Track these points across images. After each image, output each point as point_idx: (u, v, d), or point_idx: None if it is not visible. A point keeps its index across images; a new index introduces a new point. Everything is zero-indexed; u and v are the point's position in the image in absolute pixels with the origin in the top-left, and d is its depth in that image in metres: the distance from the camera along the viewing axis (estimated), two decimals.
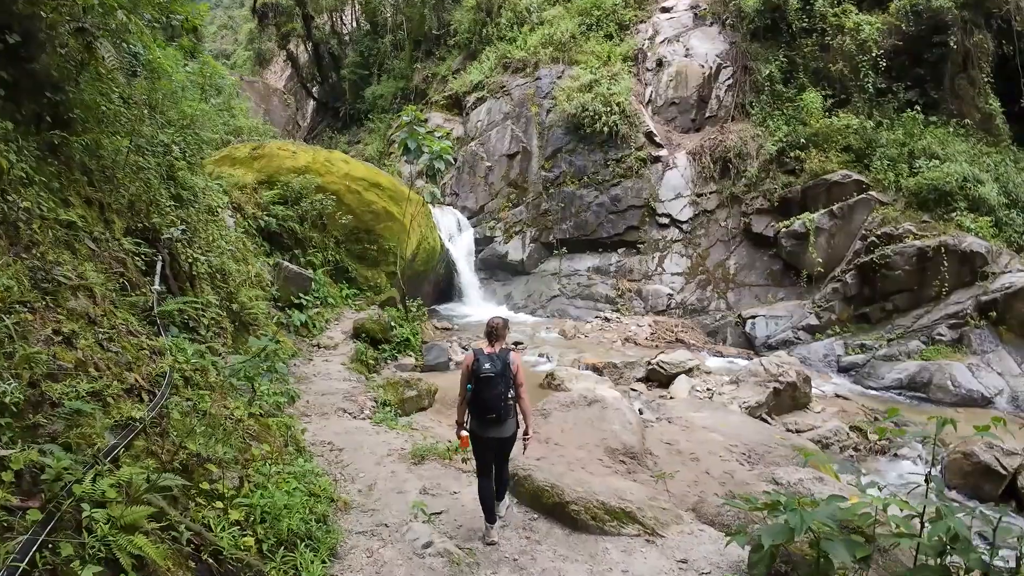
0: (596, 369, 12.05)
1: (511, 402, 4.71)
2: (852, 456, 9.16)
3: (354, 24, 27.92)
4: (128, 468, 2.62)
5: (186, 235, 8.37)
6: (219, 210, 11.17)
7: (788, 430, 9.63)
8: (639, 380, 11.72)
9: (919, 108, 14.04)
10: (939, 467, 8.68)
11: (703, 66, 17.23)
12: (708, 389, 10.79)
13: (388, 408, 8.37)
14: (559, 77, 18.21)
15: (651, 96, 17.76)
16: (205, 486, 3.19)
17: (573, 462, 5.87)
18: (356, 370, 11.01)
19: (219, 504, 3.17)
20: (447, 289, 17.93)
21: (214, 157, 14.42)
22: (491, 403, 4.64)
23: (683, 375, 11.21)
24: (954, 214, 12.53)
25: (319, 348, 11.62)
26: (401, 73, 23.69)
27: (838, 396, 11.13)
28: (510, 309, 17.01)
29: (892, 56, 14.31)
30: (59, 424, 2.69)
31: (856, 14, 14.79)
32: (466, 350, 13.26)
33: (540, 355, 13.17)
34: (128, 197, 7.09)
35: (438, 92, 21.63)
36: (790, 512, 3.59)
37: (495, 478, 4.94)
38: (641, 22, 18.96)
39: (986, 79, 13.68)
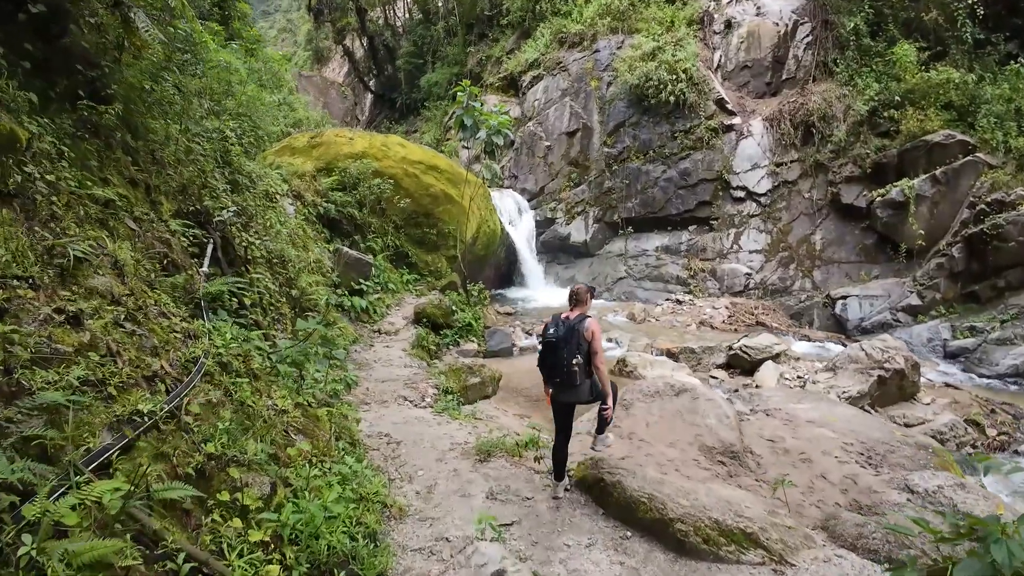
0: (671, 355, 11.03)
1: (575, 368, 4.52)
2: (970, 453, 7.85)
3: (407, 15, 27.47)
4: (105, 483, 1.98)
5: (241, 219, 8.01)
6: (278, 197, 10.90)
7: (896, 423, 8.37)
8: (719, 367, 10.61)
9: (1023, 61, 12.11)
10: None
11: (777, 24, 15.62)
12: (799, 377, 9.57)
13: (450, 396, 7.72)
14: (619, 48, 17.03)
15: (720, 61, 16.31)
16: (224, 496, 2.54)
17: (664, 463, 4.97)
18: (417, 356, 10.53)
19: (237, 522, 2.50)
20: (508, 273, 17.23)
21: (274, 148, 14.29)
22: (553, 368, 4.59)
23: (769, 361, 10.02)
24: None
25: (380, 334, 11.22)
26: (455, 59, 23.02)
27: (948, 386, 9.66)
28: None
29: (992, 3, 12.38)
30: (36, 421, 2.09)
31: None
32: (529, 335, 12.57)
33: (609, 340, 12.23)
34: (179, 181, 6.69)
35: (492, 74, 20.83)
36: (994, 544, 2.56)
37: (554, 454, 4.85)
38: None
39: None
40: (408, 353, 10.35)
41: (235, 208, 7.73)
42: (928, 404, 8.81)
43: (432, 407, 6.93)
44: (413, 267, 13.91)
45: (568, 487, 4.80)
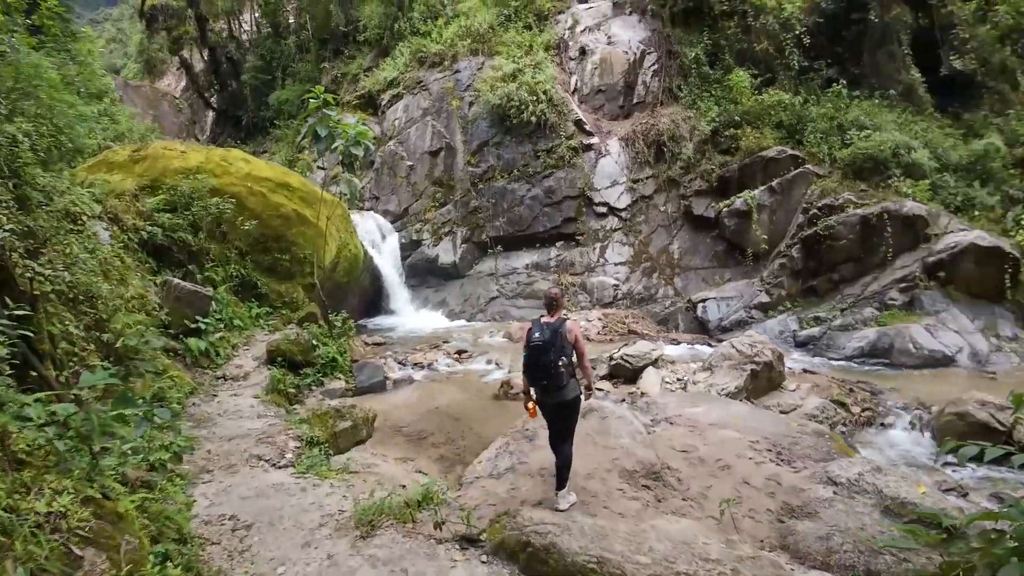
0: None
1: (563, 369, 4.55)
2: (844, 431, 8.07)
3: (253, 27, 24.98)
4: None
5: (26, 243, 6.04)
6: (86, 219, 8.65)
7: (779, 411, 8.38)
8: (603, 377, 10.14)
9: (843, 84, 13.53)
10: (928, 432, 7.92)
11: (627, 53, 16.10)
12: (679, 379, 9.38)
13: (317, 448, 6.27)
14: (479, 69, 16.55)
15: (576, 85, 16.43)
16: None
17: (589, 500, 4.15)
18: (273, 403, 8.76)
19: None
20: (375, 300, 15.75)
21: (87, 164, 11.70)
22: (541, 371, 4.56)
23: (650, 367, 9.75)
24: (891, 181, 11.96)
25: (225, 380, 9.23)
26: (308, 75, 21.17)
27: (806, 371, 10.07)
28: (446, 316, 15.08)
29: (814, 34, 13.73)
30: None
31: None
32: (404, 366, 11.22)
33: (488, 362, 11.34)
34: None
35: (349, 92, 19.35)
36: None
37: (557, 463, 4.65)
38: (559, 12, 17.65)
39: (906, 51, 13.29)
40: (261, 400, 8.60)
41: (12, 228, 5.75)
42: (794, 390, 9.01)
43: (295, 466, 5.46)
44: (263, 299, 11.93)
45: (569, 503, 4.50)
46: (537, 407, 4.72)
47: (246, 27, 25.68)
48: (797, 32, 13.63)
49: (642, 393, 9.22)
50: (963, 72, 12.80)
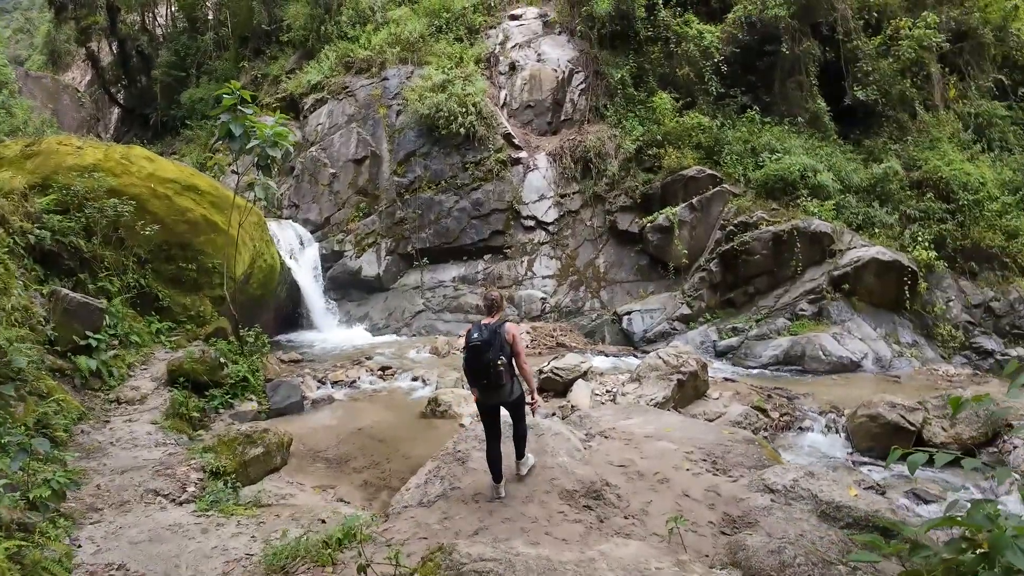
0: None
1: (502, 368, 4.58)
2: (766, 436, 8.27)
3: (169, 21, 23.19)
4: None
5: None
6: None
7: (705, 420, 8.48)
8: None
9: (756, 110, 14.25)
10: (843, 434, 8.26)
11: (556, 70, 16.23)
12: (608, 391, 9.33)
13: (223, 480, 5.57)
14: (408, 77, 16.11)
15: (506, 99, 16.35)
16: None
17: (530, 528, 3.83)
18: (174, 429, 7.92)
19: None
20: (293, 315, 14.80)
21: None
22: (480, 370, 4.62)
23: (580, 380, 9.65)
24: (799, 200, 12.65)
25: (119, 404, 8.20)
26: (225, 74, 19.84)
27: (727, 380, 10.34)
28: (369, 331, 14.40)
29: (730, 63, 14.41)
30: None
31: (697, 23, 14.74)
32: (323, 384, 10.54)
33: (415, 379, 10.83)
34: None
35: (269, 94, 18.30)
36: (1012, 550, 1.85)
37: (514, 435, 4.94)
38: (491, 27, 17.56)
39: (813, 82, 14.18)
40: (160, 426, 7.63)
41: None
42: (717, 399, 9.21)
43: (198, 501, 4.78)
44: (166, 312, 10.81)
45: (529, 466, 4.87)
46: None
47: (161, 20, 23.83)
48: (716, 60, 14.26)
49: (573, 406, 9.09)
50: (865, 102, 13.81)
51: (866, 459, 7.85)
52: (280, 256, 14.08)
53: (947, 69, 14.75)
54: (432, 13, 17.33)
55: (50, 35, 24.85)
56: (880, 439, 7.80)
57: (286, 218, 16.05)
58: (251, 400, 9.43)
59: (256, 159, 9.72)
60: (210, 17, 21.56)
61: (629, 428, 6.19)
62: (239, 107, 9.57)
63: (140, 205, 10.37)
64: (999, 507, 2.38)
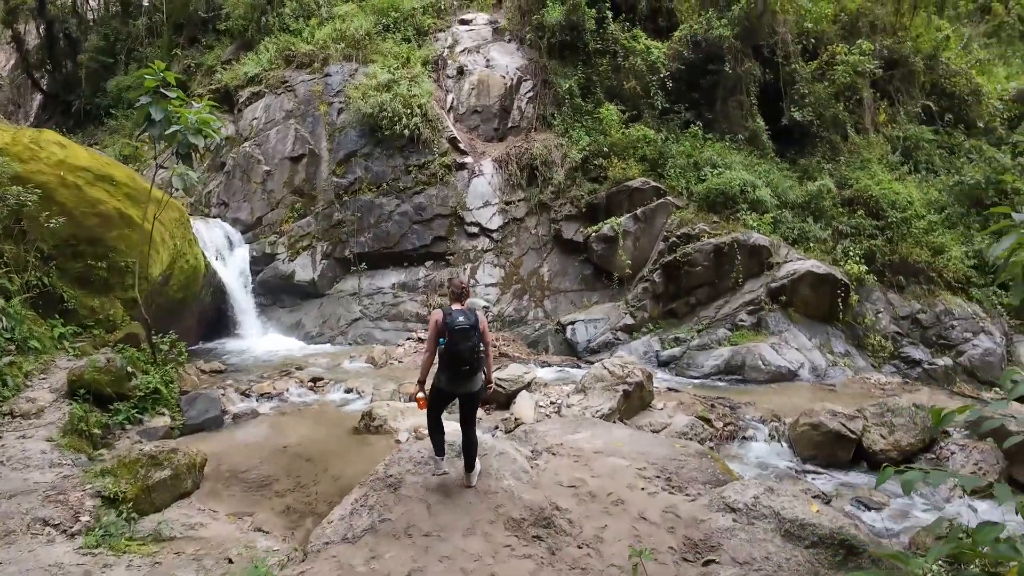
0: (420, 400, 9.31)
1: (481, 355, 4.57)
2: (712, 446, 7.98)
3: (101, 4, 21.49)
4: None
5: None
6: None
7: (652, 431, 8.09)
8: None
9: (699, 126, 14.34)
10: (786, 442, 8.13)
11: (504, 77, 15.89)
12: (553, 403, 8.84)
13: (122, 508, 4.72)
14: (352, 75, 15.37)
15: (453, 103, 15.86)
16: None
17: (470, 568, 3.22)
18: (72, 447, 6.96)
19: None
20: (218, 321, 13.64)
21: None
22: (466, 355, 4.43)
23: (523, 391, 9.12)
24: (739, 214, 12.68)
25: (11, 418, 7.24)
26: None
27: (670, 390, 10.08)
28: (302, 339, 13.42)
29: (676, 79, 14.50)
30: None
31: (645, 38, 14.77)
32: (248, 397, 9.60)
33: (348, 391, 9.98)
34: None
35: (203, 85, 17.09)
36: None
37: (463, 444, 4.70)
38: (440, 31, 17.10)
39: (753, 102, 14.41)
40: (57, 444, 6.72)
41: None
42: (662, 409, 8.89)
43: (86, 535, 3.91)
44: (72, 316, 9.76)
45: (445, 470, 4.71)
46: (427, 401, 4.65)
47: (92, 4, 22.06)
48: (661, 75, 14.30)
49: (516, 419, 8.55)
50: (800, 123, 14.14)
51: (810, 467, 7.71)
52: (205, 257, 12.97)
53: (879, 94, 15.36)
54: (380, 11, 16.72)
55: None
56: (822, 447, 7.72)
57: (214, 216, 14.87)
58: (163, 415, 8.50)
59: (176, 147, 8.79)
60: (145, 3, 20.08)
61: (577, 443, 5.67)
62: (161, 90, 8.70)
63: (47, 195, 9.29)
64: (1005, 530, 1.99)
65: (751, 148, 14.30)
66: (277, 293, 14.20)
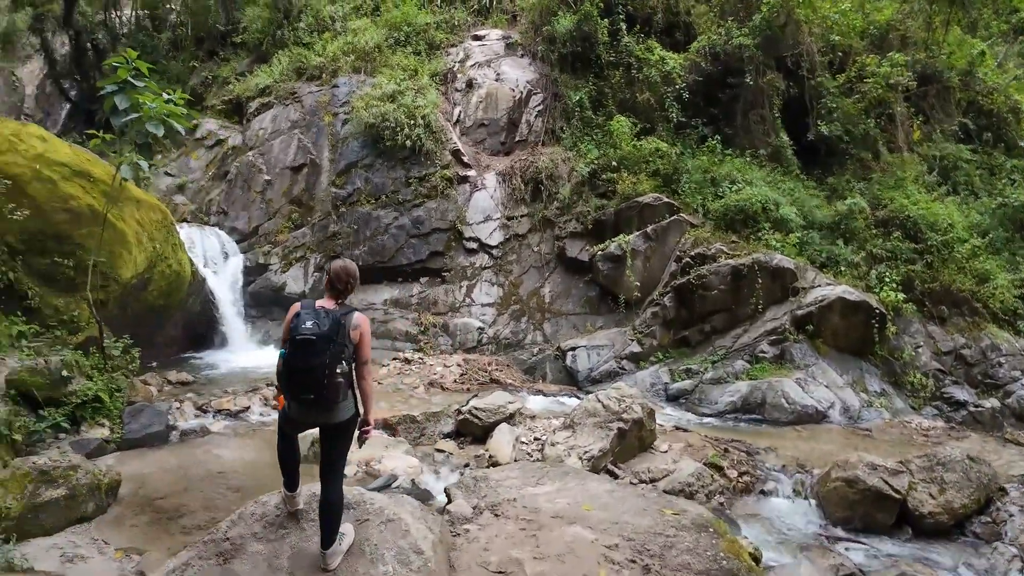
0: (388, 426, 8.03)
1: (339, 379, 3.11)
2: (722, 503, 6.39)
3: (133, 18, 21.52)
4: None
5: None
6: None
7: (641, 481, 6.55)
8: (447, 436, 7.96)
9: (717, 140, 12.99)
10: (814, 500, 6.54)
11: (513, 90, 14.87)
12: (536, 439, 7.39)
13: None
14: (359, 87, 14.58)
15: (460, 116, 14.88)
16: None
17: None
18: None
19: None
20: (206, 331, 12.66)
21: None
22: (308, 378, 3.04)
23: (503, 424, 7.68)
24: (761, 233, 11.17)
25: None
26: (177, 75, 18.15)
27: (677, 428, 8.49)
28: None
29: (693, 93, 13.23)
30: None
31: (660, 50, 13.59)
32: (205, 412, 8.57)
33: None
34: None
35: (217, 96, 16.61)
36: None
37: (320, 506, 3.27)
38: (452, 46, 16.26)
39: (776, 115, 13.01)
40: None
41: None
42: (666, 452, 7.31)
43: None
44: (35, 314, 8.95)
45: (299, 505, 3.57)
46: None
47: (125, 17, 22.14)
48: (678, 87, 13.03)
49: (490, 456, 7.15)
50: (827, 139, 12.66)
51: (842, 533, 6.07)
52: (193, 264, 12.07)
53: (912, 110, 13.81)
54: (393, 26, 16.02)
55: (10, 24, 22.92)
56: (858, 507, 6.08)
57: (213, 224, 14.09)
58: (103, 425, 7.55)
59: (135, 136, 7.93)
60: (172, 17, 19.96)
61: (535, 500, 4.25)
62: (131, 80, 7.96)
63: (18, 187, 8.63)
64: None
65: (774, 164, 12.82)
66: (267, 305, 13.19)
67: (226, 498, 6.08)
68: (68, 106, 21.89)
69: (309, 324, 3.09)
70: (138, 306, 10.68)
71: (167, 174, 15.64)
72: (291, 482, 3.60)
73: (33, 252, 8.95)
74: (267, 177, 14.11)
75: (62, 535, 5.11)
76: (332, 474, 3.31)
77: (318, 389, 3.07)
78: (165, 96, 8.16)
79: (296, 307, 3.33)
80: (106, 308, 9.49)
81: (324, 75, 15.27)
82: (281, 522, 3.36)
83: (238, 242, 13.70)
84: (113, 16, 20.73)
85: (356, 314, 3.35)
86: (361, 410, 3.47)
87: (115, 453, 7.00)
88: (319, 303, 3.36)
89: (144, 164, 7.68)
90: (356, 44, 15.48)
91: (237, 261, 13.46)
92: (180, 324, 12.24)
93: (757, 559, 4.87)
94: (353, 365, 3.32)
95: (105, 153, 9.95)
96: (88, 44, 20.17)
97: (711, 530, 3.98)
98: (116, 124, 8.10)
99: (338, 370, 3.12)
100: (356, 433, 3.45)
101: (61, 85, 21.22)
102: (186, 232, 12.63)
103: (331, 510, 3.23)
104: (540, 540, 3.51)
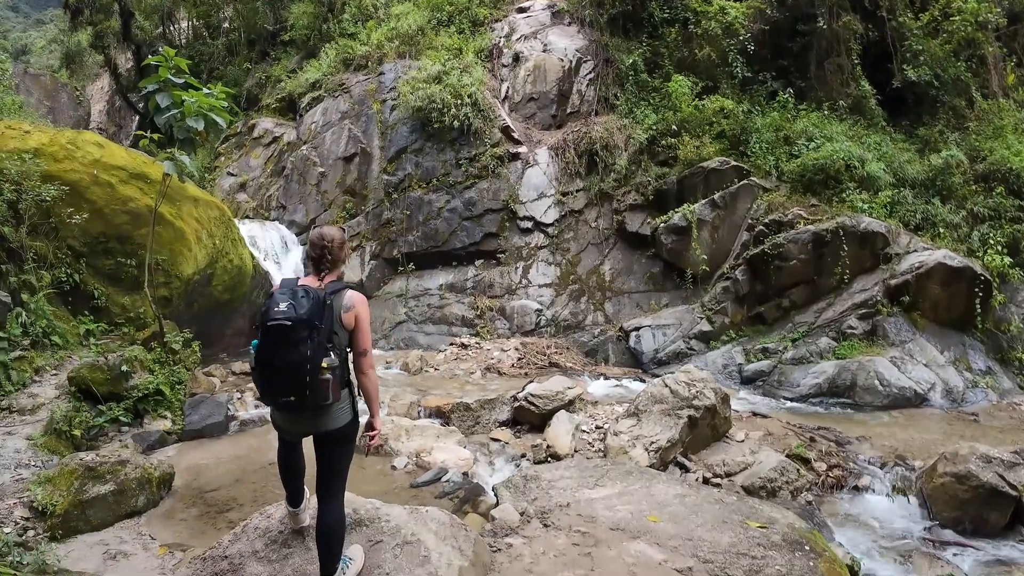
0: (441, 414, 7.65)
1: (327, 376, 2.42)
2: (811, 501, 5.55)
3: (190, 29, 22.28)
4: None
5: None
6: None
7: (716, 475, 5.81)
8: (502, 424, 7.46)
9: (789, 95, 11.61)
10: (917, 497, 5.58)
11: (562, 60, 14.00)
12: (598, 427, 6.78)
13: (48, 523, 4.13)
14: (405, 72, 14.20)
15: (508, 92, 14.20)
16: None
17: None
18: (47, 447, 6.12)
19: None
20: None
21: None
22: (286, 375, 2.39)
23: (562, 411, 7.07)
24: (844, 195, 9.86)
25: (10, 413, 6.65)
26: (234, 79, 18.54)
27: (755, 415, 7.61)
28: None
29: (759, 43, 11.87)
30: None
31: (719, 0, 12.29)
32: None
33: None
34: None
35: (271, 95, 16.80)
36: None
37: (317, 524, 2.70)
38: (496, 21, 15.55)
39: (855, 62, 11.46)
40: (35, 443, 6.04)
41: None
42: (742, 441, 6.49)
43: None
44: (103, 313, 9.22)
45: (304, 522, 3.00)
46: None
47: (183, 28, 22.99)
48: (741, 37, 11.71)
49: (548, 447, 6.60)
50: (916, 86, 11.02)
51: (951, 536, 5.12)
52: (255, 258, 12.20)
53: (1005, 51, 11.82)
54: (434, 7, 15.51)
55: (77, 43, 24.38)
56: (969, 507, 5.13)
57: (273, 219, 14.28)
58: (165, 418, 7.63)
59: (177, 132, 7.90)
60: (225, 24, 20.40)
61: (592, 507, 3.65)
62: (171, 78, 7.97)
63: (77, 192, 8.84)
64: None
65: (856, 117, 11.30)
66: None
67: (276, 490, 5.92)
68: (137, 118, 23.04)
69: (283, 306, 2.45)
70: (204, 301, 10.87)
71: (229, 174, 16.01)
72: (293, 497, 3.12)
73: (97, 254, 9.18)
74: (321, 169, 14.07)
75: (110, 530, 4.98)
76: (328, 493, 2.76)
77: (300, 390, 2.45)
78: (205, 91, 8.09)
79: (274, 289, 2.72)
80: (171, 304, 9.66)
81: (370, 63, 15.01)
82: (285, 539, 2.95)
83: (297, 235, 13.77)
84: (171, 29, 21.45)
85: (348, 292, 2.71)
86: (359, 412, 2.88)
87: (176, 444, 7.05)
88: (302, 280, 2.77)
89: (186, 159, 7.57)
90: (399, 29, 15.10)
91: (298, 253, 13.54)
92: (247, 316, 12.43)
93: (856, 573, 4.09)
94: (349, 357, 2.67)
95: (153, 153, 10.19)
96: (148, 56, 21.09)
97: (807, 548, 3.25)
98: (159, 122, 8.09)
99: (324, 364, 2.47)
100: (363, 439, 2.85)
101: (128, 99, 22.30)
102: (247, 228, 12.79)
103: (330, 534, 2.69)
104: (596, 560, 2.92)
